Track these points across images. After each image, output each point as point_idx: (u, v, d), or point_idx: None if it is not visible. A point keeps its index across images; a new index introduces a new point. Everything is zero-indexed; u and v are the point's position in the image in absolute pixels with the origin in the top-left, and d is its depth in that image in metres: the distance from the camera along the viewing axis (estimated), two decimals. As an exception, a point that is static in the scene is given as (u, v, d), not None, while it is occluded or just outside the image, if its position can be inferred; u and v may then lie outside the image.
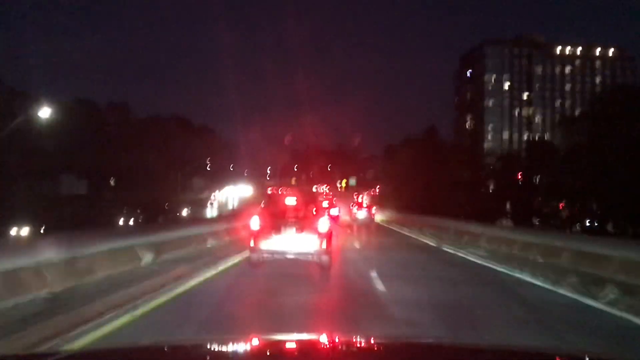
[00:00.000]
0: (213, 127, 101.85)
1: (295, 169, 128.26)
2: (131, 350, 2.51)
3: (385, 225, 32.75)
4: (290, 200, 11.19)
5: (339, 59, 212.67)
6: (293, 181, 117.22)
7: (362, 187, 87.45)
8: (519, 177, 43.05)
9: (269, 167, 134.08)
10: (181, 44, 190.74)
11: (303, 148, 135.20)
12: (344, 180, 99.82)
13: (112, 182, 60.85)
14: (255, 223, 10.27)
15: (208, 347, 2.46)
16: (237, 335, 4.39)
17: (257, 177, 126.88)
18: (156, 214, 49.02)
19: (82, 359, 2.32)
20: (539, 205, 41.23)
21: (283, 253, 9.99)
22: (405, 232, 26.41)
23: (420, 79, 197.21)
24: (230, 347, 2.41)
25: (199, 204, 75.70)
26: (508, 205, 42.87)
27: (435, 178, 43.17)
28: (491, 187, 48.04)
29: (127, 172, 52.72)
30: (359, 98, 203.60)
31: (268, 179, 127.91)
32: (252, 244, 10.20)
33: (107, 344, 4.86)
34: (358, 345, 2.52)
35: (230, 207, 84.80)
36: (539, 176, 41.07)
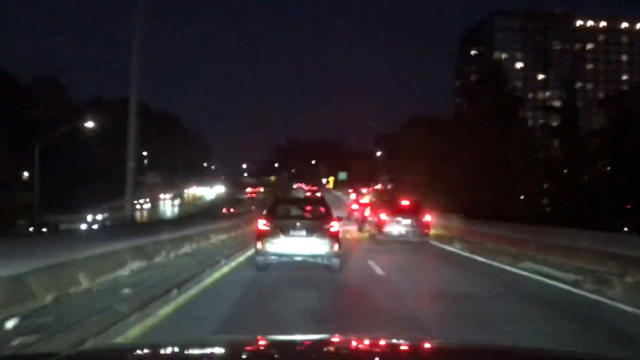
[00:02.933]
0: (179, 116, 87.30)
1: (276, 166, 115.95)
2: (133, 349, 2.47)
3: (488, 261, 12.25)
4: (299, 200, 12.06)
5: (323, 46, 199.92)
6: (273, 179, 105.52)
7: (352, 184, 74.19)
8: None
9: (245, 164, 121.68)
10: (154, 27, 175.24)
11: (284, 143, 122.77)
12: (332, 177, 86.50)
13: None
14: (262, 224, 9.92)
15: (211, 347, 2.44)
16: (242, 336, 4.11)
17: (233, 175, 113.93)
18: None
19: (82, 359, 2.27)
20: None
21: (291, 255, 9.73)
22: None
23: (413, 65, 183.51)
24: (234, 348, 2.35)
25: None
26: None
27: (508, 160, 28.27)
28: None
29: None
30: (345, 89, 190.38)
31: (246, 175, 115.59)
32: (258, 245, 9.77)
33: (108, 344, 4.52)
34: (364, 346, 2.47)
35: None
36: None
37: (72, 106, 63.22)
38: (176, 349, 2.33)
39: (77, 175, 45.78)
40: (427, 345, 2.53)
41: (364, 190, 48.67)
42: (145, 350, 2.34)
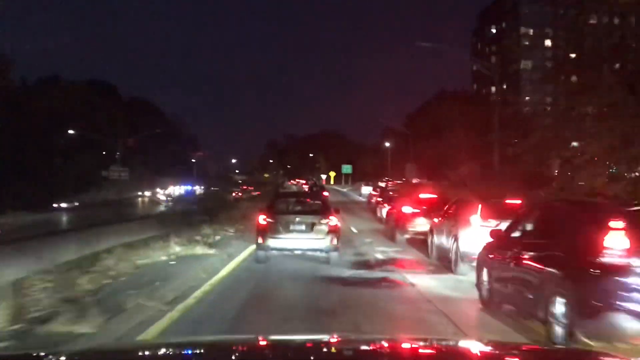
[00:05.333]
0: (158, 104, 76.51)
1: (271, 162, 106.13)
2: (133, 349, 2.52)
3: None
4: (298, 194, 12.23)
5: (324, 31, 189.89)
6: (266, 176, 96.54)
7: (358, 178, 63.87)
8: None
9: (234, 160, 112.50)
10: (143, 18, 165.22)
11: (280, 138, 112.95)
12: (332, 173, 75.90)
13: None
14: (262, 219, 10.25)
15: (212, 348, 2.43)
16: (243, 336, 4.19)
17: (222, 172, 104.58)
18: None
19: (82, 358, 2.29)
20: None
21: (291, 249, 10.19)
22: None
23: (421, 51, 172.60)
24: (235, 349, 2.34)
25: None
26: None
27: None
28: None
29: None
30: (345, 76, 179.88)
31: (237, 172, 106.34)
32: (259, 240, 10.14)
33: (108, 343, 4.58)
34: (365, 346, 2.46)
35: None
36: None
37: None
38: (176, 350, 2.35)
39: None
40: (429, 344, 2.50)
41: (381, 184, 37.20)
42: (146, 351, 2.33)
